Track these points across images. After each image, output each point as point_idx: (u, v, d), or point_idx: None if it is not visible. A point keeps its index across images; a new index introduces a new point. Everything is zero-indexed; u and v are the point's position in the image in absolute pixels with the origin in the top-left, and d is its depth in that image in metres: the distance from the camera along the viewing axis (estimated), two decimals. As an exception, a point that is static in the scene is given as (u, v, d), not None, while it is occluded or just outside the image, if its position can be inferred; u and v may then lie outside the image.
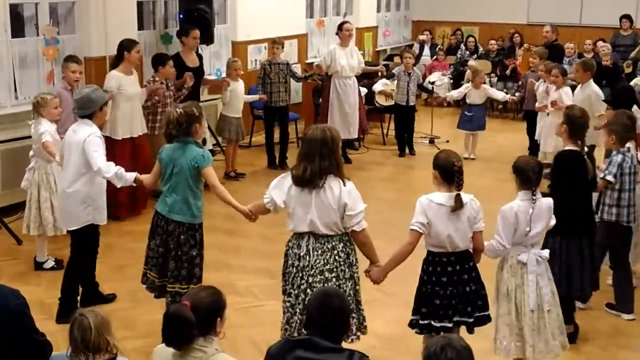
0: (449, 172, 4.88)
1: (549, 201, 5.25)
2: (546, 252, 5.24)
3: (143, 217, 8.39)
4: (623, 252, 6.44)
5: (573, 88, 9.78)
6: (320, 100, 11.30)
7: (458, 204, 4.85)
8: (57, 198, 6.79)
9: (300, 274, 4.90)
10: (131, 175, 5.98)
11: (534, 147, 11.00)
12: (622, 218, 6.26)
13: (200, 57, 10.19)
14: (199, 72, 9.93)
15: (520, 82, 13.12)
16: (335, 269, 4.89)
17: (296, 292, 4.93)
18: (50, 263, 7.24)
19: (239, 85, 10.42)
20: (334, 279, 4.87)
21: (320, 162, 4.79)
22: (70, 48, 9.44)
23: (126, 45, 8.59)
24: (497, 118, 14.76)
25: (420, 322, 5.03)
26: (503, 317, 5.19)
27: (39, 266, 7.24)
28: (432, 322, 4.98)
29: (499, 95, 12.44)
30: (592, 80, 9.45)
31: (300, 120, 12.69)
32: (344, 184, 4.85)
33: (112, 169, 5.90)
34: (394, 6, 18.40)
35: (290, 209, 4.93)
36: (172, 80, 9.27)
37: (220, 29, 11.90)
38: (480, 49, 16.75)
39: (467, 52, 16.42)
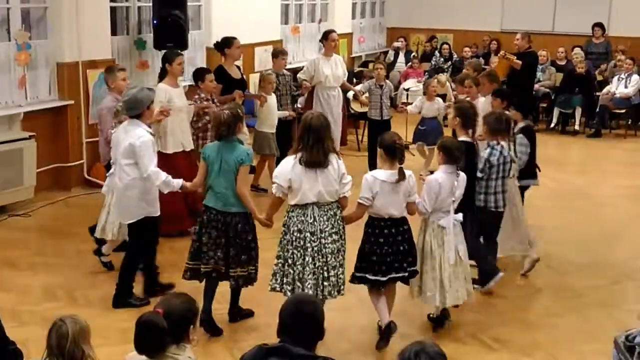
0: (391, 149, 5.75)
1: (463, 176, 6.12)
2: (460, 216, 6.12)
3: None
4: (493, 234, 7.09)
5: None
6: (301, 110, 10.72)
7: (401, 176, 5.73)
8: None
9: (312, 238, 5.64)
10: (178, 182, 6.34)
11: None
12: (490, 204, 6.90)
13: (238, 68, 9.85)
14: (242, 83, 9.63)
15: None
16: (338, 231, 5.77)
17: (306, 252, 5.64)
18: (107, 259, 7.31)
19: (272, 100, 9.85)
20: (339, 239, 5.76)
21: (326, 145, 5.63)
22: (43, 53, 9.39)
23: (167, 57, 8.30)
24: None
25: (357, 274, 5.91)
26: (428, 273, 6.08)
27: (98, 252, 7.33)
28: (367, 276, 5.86)
29: (442, 108, 11.37)
30: None
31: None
32: (339, 158, 5.78)
33: (161, 176, 6.24)
34: (368, 13, 18.46)
35: (295, 185, 5.63)
36: (216, 95, 8.93)
37: (195, 34, 11.86)
38: (455, 56, 16.84)
39: (442, 59, 16.52)
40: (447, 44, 17.10)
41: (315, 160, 5.60)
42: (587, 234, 8.78)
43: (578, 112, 14.47)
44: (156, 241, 6.73)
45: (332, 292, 5.70)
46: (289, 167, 5.66)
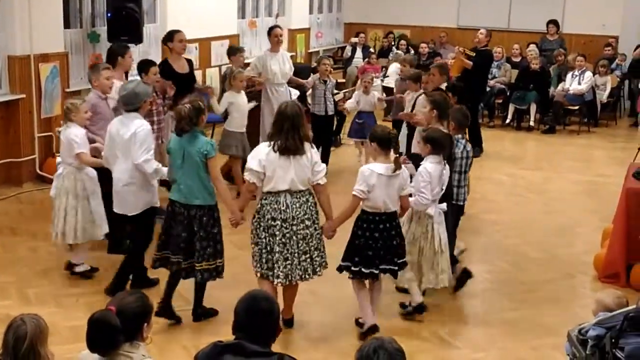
0: (385, 140, 5.85)
1: (448, 168, 6.31)
2: (444, 205, 6.37)
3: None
4: (454, 227, 7.00)
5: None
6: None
7: (398, 165, 5.82)
8: (83, 205, 6.83)
9: (283, 225, 5.73)
10: (165, 170, 6.34)
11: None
12: (459, 197, 6.90)
13: (189, 62, 9.56)
14: (189, 78, 9.31)
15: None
16: (311, 217, 5.83)
17: (275, 239, 5.74)
18: (84, 267, 7.05)
19: (242, 98, 9.51)
20: (312, 225, 5.83)
21: (301, 132, 5.72)
22: (-6, 46, 9.21)
23: (118, 50, 8.19)
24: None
25: (353, 268, 5.95)
26: (406, 256, 6.19)
27: (70, 267, 7.05)
28: (362, 269, 5.93)
29: (376, 101, 11.26)
30: (445, 84, 9.03)
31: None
32: (312, 146, 5.86)
33: (153, 165, 6.32)
34: (326, 8, 18.45)
35: (269, 172, 5.69)
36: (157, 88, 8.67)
37: (150, 28, 11.72)
38: (412, 51, 16.89)
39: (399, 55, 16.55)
40: (404, 38, 17.15)
41: (291, 147, 5.67)
42: (542, 229, 8.86)
43: (533, 108, 14.61)
44: (151, 235, 6.67)
45: (304, 275, 5.84)
46: (262, 154, 5.72)
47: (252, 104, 9.90)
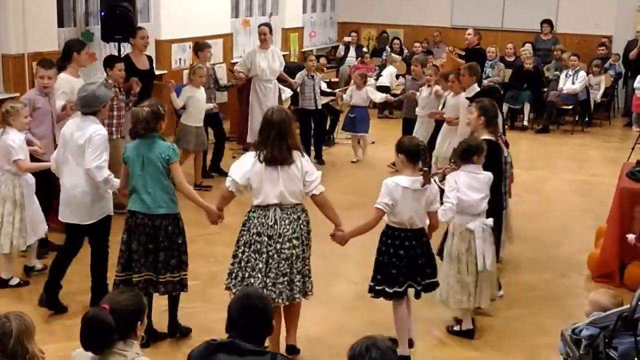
0: (414, 153, 5.45)
1: (488, 175, 5.94)
2: (490, 221, 5.93)
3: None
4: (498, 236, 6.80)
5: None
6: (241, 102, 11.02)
7: (427, 179, 5.42)
8: (21, 213, 6.64)
9: (269, 242, 5.29)
10: (117, 182, 6.02)
11: None
12: (504, 206, 6.81)
13: (150, 58, 9.77)
14: (150, 75, 9.49)
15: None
16: (300, 237, 5.36)
17: (261, 257, 5.31)
18: (16, 280, 6.83)
19: (201, 93, 9.76)
20: (300, 245, 5.36)
21: (290, 141, 5.30)
22: (-13, 45, 9.18)
23: (75, 46, 8.09)
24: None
25: (376, 287, 5.60)
26: (456, 276, 5.91)
27: (4, 283, 6.78)
28: (386, 288, 5.54)
29: (378, 96, 12.06)
30: (476, 84, 9.18)
31: (225, 121, 12.56)
32: (302, 155, 5.40)
33: (104, 173, 5.98)
34: (319, 7, 18.44)
35: (254, 185, 5.30)
36: (122, 84, 8.81)
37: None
38: (405, 51, 16.91)
39: (392, 54, 16.55)
40: (397, 39, 17.17)
41: (277, 157, 5.25)
42: (535, 228, 8.87)
43: (526, 108, 14.63)
44: (107, 246, 6.36)
45: (277, 299, 5.29)
46: (248, 165, 5.33)
47: (211, 105, 10.06)
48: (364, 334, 3.44)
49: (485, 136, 6.37)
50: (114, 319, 3.61)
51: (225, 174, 9.99)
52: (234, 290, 5.37)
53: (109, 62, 8.73)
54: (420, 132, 9.97)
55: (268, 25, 11.34)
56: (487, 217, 5.97)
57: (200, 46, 10.52)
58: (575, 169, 11.89)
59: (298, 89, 11.54)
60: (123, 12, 10.05)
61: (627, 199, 7.30)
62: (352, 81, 13.50)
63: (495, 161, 6.28)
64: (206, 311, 6.32)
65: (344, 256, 6.98)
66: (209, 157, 10.48)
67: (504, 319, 6.52)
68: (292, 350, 5.63)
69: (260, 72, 10.58)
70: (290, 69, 12.26)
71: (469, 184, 5.85)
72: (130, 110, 6.26)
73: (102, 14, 10.21)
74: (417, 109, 10.44)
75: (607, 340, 4.31)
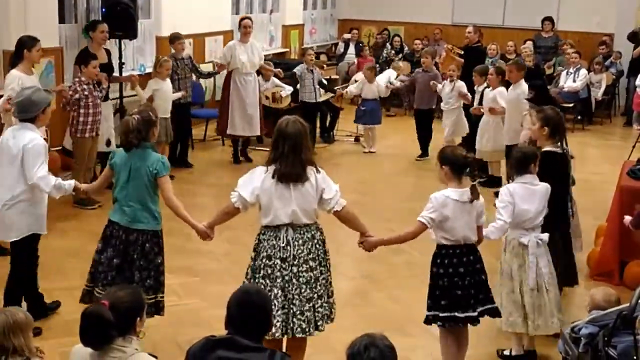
0: (459, 166, 5.04)
1: (545, 186, 5.55)
2: (545, 236, 5.52)
3: (60, 214, 8.25)
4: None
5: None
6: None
7: (476, 194, 5.04)
8: None
9: (282, 265, 4.84)
10: (70, 185, 5.76)
11: (425, 144, 11.58)
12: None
13: (108, 52, 9.76)
14: (108, 68, 9.54)
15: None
16: (317, 257, 4.92)
17: (274, 283, 4.83)
18: None
19: (167, 85, 9.98)
20: (317, 267, 4.92)
21: (304, 156, 4.83)
22: (-13, 41, 9.17)
23: (26, 43, 7.97)
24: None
25: (441, 314, 5.11)
26: (509, 295, 5.52)
27: None
28: (456, 314, 5.08)
29: (383, 88, 12.38)
30: (523, 80, 9.55)
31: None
32: (318, 171, 4.91)
33: (50, 181, 5.60)
34: (320, 4, 18.43)
35: (264, 202, 4.86)
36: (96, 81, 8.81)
37: (145, 23, 11.71)
38: (406, 48, 16.89)
39: (393, 52, 16.54)
40: (398, 36, 17.16)
41: (291, 173, 4.79)
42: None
43: (527, 105, 14.62)
44: (36, 262, 6.03)
45: (307, 329, 4.86)
46: (257, 180, 4.87)
47: (179, 94, 10.28)
48: (360, 329, 3.44)
49: (549, 147, 5.98)
50: (113, 315, 3.61)
51: (189, 166, 10.53)
52: None
53: (83, 59, 8.75)
54: (448, 124, 10.91)
55: (251, 19, 11.51)
56: (543, 231, 5.60)
57: (172, 38, 10.65)
58: (575, 167, 11.84)
59: (298, 83, 11.72)
60: (124, 8, 10.09)
61: (628, 197, 7.29)
62: (352, 78, 13.62)
63: (559, 173, 5.94)
64: (205, 307, 6.32)
65: (340, 252, 6.97)
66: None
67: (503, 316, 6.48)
68: None
69: (240, 65, 10.76)
70: (290, 66, 12.29)
71: (523, 196, 5.46)
72: (121, 120, 6.00)
73: (103, 10, 10.22)
74: (442, 104, 11.15)
75: (606, 338, 4.32)
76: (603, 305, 4.71)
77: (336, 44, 18.02)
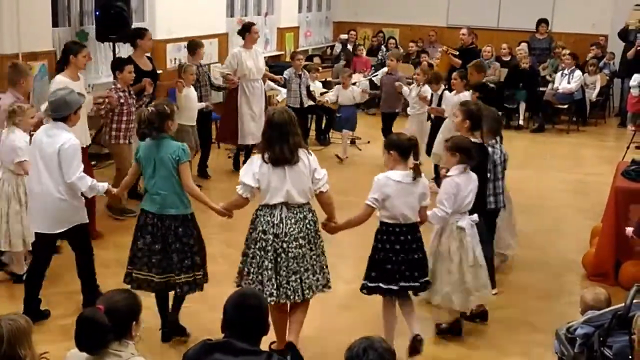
0: (405, 148, 5.51)
1: (475, 176, 5.98)
2: (475, 216, 5.97)
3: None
4: (490, 234, 6.80)
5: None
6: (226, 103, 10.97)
7: (418, 173, 5.50)
8: (27, 211, 6.50)
9: (275, 240, 5.35)
10: (103, 186, 6.10)
11: None
12: (500, 205, 6.82)
13: (150, 59, 9.68)
14: (153, 75, 9.41)
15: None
16: (307, 236, 5.42)
17: (267, 255, 5.37)
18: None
19: (193, 92, 9.71)
20: (306, 244, 5.43)
21: (293, 140, 5.34)
22: (-19, 44, 9.15)
23: (72, 49, 7.96)
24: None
25: (369, 284, 5.63)
26: (444, 276, 5.89)
27: (19, 279, 6.76)
28: (381, 285, 5.58)
29: (356, 91, 12.20)
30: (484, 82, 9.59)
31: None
32: (310, 153, 5.47)
33: (87, 182, 5.95)
34: (315, 7, 18.43)
35: (263, 185, 5.35)
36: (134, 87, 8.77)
37: (139, 26, 11.65)
38: (401, 50, 16.90)
39: (388, 54, 16.55)
40: (393, 38, 17.18)
41: (282, 157, 5.31)
42: (531, 227, 8.87)
43: (522, 107, 14.65)
44: (91, 251, 6.35)
45: (292, 296, 5.42)
46: (256, 167, 5.38)
47: (203, 104, 10.00)
48: (358, 333, 3.44)
49: (472, 139, 6.35)
50: (109, 319, 3.61)
51: (207, 177, 10.31)
52: (252, 285, 5.42)
53: (119, 65, 8.57)
54: (412, 130, 10.14)
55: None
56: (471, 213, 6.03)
57: (194, 45, 10.43)
58: (570, 168, 11.91)
59: (285, 87, 11.66)
60: (118, 11, 10.06)
61: (622, 198, 7.31)
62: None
63: (481, 163, 6.30)
64: (203, 311, 6.31)
65: (339, 255, 6.98)
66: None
67: (499, 318, 6.52)
68: (290, 347, 5.56)
69: (247, 72, 10.52)
70: (285, 69, 12.27)
71: (465, 185, 5.88)
72: (136, 112, 6.21)
73: (97, 13, 10.21)
74: (408, 108, 10.94)
75: (601, 338, 4.34)
76: (593, 306, 4.73)
77: (332, 47, 18.03)
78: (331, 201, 5.58)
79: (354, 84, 13.30)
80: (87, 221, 6.26)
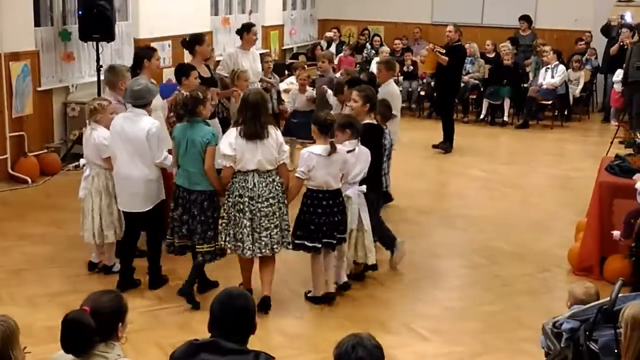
0: (324, 125, 6.33)
1: (364, 151, 6.64)
2: (364, 187, 6.68)
3: (38, 220, 8.23)
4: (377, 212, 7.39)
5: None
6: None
7: (333, 149, 6.27)
8: (114, 204, 6.80)
9: (250, 202, 6.14)
10: (171, 159, 6.60)
11: None
12: (386, 183, 7.66)
13: (208, 67, 9.24)
14: (213, 83, 8.96)
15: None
16: (276, 196, 6.21)
17: (244, 215, 6.15)
18: (119, 266, 6.96)
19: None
20: (276, 203, 6.20)
21: (264, 118, 6.13)
22: (-37, 45, 9.10)
23: (146, 53, 7.81)
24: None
25: (296, 241, 6.41)
26: None
27: (109, 270, 7.05)
28: (306, 242, 6.39)
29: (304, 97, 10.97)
30: (392, 80, 9.41)
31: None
32: (277, 129, 6.32)
33: (170, 159, 6.54)
34: (299, 4, 18.42)
35: (238, 155, 6.09)
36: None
37: (122, 25, 11.62)
38: (385, 47, 16.91)
39: (373, 51, 16.56)
40: (378, 35, 17.18)
41: (254, 133, 6.05)
42: (516, 223, 8.91)
43: (506, 103, 14.70)
44: (165, 229, 6.68)
45: (264, 250, 6.20)
46: (232, 137, 6.11)
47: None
48: (344, 329, 3.44)
49: (369, 120, 6.97)
50: (95, 321, 3.59)
51: None
52: (228, 246, 6.24)
53: (184, 71, 8.15)
54: None
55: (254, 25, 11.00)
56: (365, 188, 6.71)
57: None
58: (555, 164, 11.96)
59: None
60: (100, 10, 10.03)
61: (607, 192, 7.34)
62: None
63: (378, 142, 7.01)
64: (189, 310, 6.31)
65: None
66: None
67: (486, 313, 6.55)
68: (266, 300, 6.28)
69: None
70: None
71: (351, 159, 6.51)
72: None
73: (80, 13, 10.18)
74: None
75: (587, 333, 4.34)
76: (583, 299, 4.74)
77: (316, 44, 18.00)
78: (288, 174, 6.35)
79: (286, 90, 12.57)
80: (165, 198, 6.70)
